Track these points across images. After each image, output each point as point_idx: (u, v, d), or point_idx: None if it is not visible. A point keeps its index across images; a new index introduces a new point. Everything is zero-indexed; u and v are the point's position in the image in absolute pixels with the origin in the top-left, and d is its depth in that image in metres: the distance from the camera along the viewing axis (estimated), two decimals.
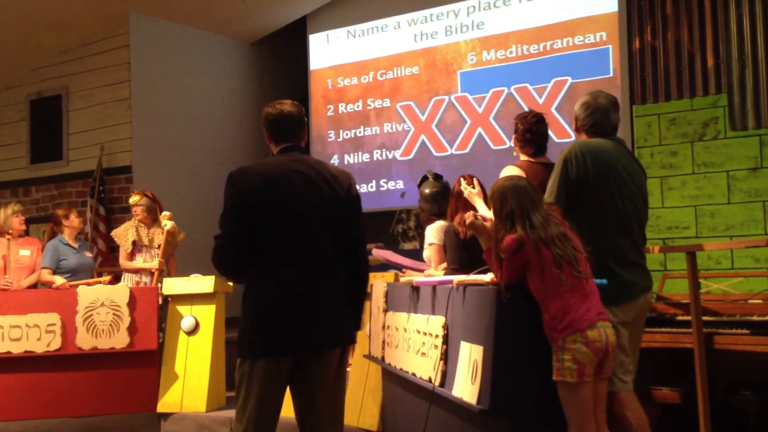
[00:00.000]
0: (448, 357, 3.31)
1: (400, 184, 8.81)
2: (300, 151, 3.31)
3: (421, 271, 4.92)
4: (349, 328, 3.28)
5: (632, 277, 3.36)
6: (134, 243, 6.42)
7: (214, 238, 3.18)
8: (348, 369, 3.64)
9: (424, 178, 5.26)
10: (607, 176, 3.36)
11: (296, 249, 3.14)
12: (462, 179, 4.37)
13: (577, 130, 3.59)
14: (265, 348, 3.11)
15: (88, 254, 6.83)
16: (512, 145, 4.30)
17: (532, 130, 4.09)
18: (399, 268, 5.41)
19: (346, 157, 9.31)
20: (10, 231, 6.65)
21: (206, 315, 5.90)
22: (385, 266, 5.79)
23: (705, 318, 4.17)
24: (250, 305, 3.17)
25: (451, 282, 3.38)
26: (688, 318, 4.09)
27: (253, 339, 3.14)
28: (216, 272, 3.46)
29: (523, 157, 4.12)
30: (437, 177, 5.25)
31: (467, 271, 3.61)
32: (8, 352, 5.73)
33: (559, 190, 3.32)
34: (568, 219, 3.16)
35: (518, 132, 4.13)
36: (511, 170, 3.83)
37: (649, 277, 3.48)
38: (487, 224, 3.27)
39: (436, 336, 3.41)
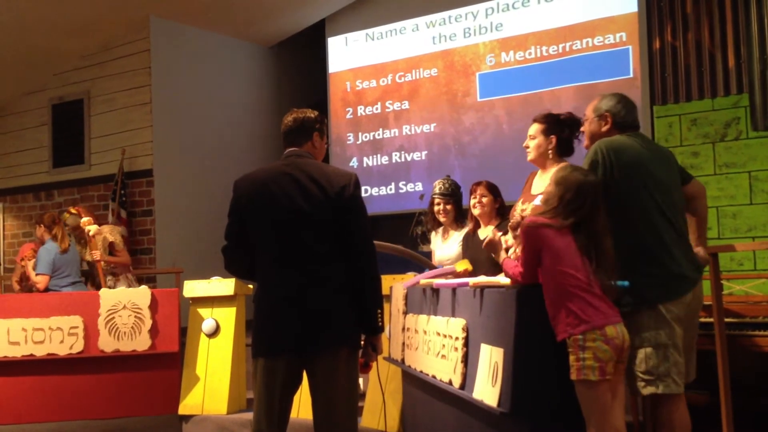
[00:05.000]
0: (468, 359, 3.31)
1: (419, 186, 8.81)
2: (299, 156, 3.36)
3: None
4: (350, 328, 3.25)
5: (680, 270, 3.32)
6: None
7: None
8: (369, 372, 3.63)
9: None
10: (636, 170, 3.32)
11: (285, 250, 3.22)
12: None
13: (614, 126, 3.50)
14: (261, 348, 3.26)
15: None
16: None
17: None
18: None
19: (365, 159, 9.33)
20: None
21: (227, 317, 5.93)
22: (405, 264, 5.76)
23: (727, 320, 4.13)
24: (254, 306, 3.33)
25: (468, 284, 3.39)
26: (711, 320, 4.05)
27: (254, 339, 3.30)
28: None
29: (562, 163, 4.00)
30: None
31: None
32: (31, 355, 5.78)
33: None
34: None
35: (567, 137, 4.02)
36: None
37: (697, 265, 3.42)
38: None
39: (456, 338, 3.40)
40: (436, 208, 5.21)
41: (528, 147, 4.06)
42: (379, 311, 3.32)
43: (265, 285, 3.29)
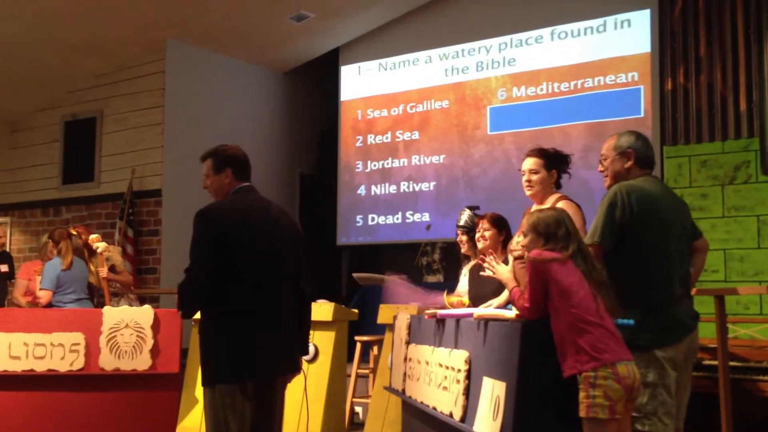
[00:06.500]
0: (470, 392, 3.29)
1: (426, 217, 8.81)
2: (256, 191, 3.59)
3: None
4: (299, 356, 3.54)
5: (680, 315, 3.34)
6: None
7: (185, 271, 3.30)
8: (368, 401, 3.64)
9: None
10: (652, 215, 3.34)
11: (266, 281, 3.31)
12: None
13: (637, 163, 3.51)
14: (248, 369, 3.24)
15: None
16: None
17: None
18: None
19: (373, 188, 9.34)
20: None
21: None
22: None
23: (732, 363, 4.11)
24: (220, 334, 3.28)
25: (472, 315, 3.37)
26: (715, 363, 4.03)
27: (227, 365, 3.24)
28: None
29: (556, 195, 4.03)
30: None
31: None
32: (32, 370, 5.76)
33: (604, 230, 3.30)
34: (605, 260, 3.18)
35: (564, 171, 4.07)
36: (571, 207, 3.78)
37: (695, 314, 3.44)
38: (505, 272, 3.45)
39: (459, 370, 3.38)
40: (458, 239, 5.24)
41: (531, 182, 4.04)
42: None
43: (243, 314, 3.27)
